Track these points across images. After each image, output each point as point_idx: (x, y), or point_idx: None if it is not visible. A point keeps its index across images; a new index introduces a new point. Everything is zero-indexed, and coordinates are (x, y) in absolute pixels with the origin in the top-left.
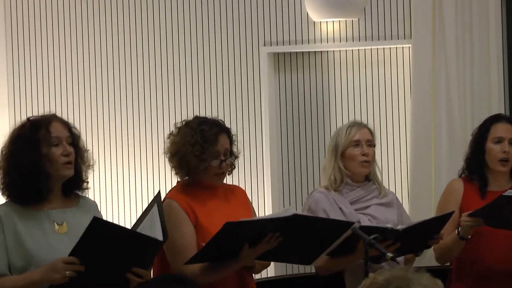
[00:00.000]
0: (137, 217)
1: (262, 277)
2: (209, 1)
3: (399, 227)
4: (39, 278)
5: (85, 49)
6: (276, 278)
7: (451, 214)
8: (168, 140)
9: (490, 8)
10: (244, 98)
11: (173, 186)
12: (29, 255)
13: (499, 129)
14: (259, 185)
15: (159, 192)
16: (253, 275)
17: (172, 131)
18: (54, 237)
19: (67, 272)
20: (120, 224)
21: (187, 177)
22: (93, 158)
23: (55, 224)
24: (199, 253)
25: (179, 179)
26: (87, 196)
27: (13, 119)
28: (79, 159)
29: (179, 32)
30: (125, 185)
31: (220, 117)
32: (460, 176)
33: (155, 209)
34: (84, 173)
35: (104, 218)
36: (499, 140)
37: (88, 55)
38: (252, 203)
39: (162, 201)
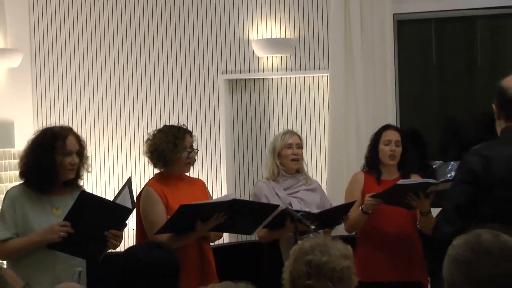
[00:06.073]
0: (115, 195)
1: (219, 243)
2: (176, 40)
3: (315, 211)
4: (39, 239)
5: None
6: (229, 244)
7: (353, 202)
8: (146, 144)
9: (387, 48)
10: (206, 114)
11: (151, 177)
12: (31, 230)
13: (388, 134)
14: (218, 179)
15: (129, 178)
16: (210, 243)
17: (149, 138)
18: (52, 218)
19: (62, 233)
20: (102, 196)
21: (163, 169)
22: (91, 165)
23: (54, 208)
24: (165, 226)
25: (156, 171)
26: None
27: (37, 125)
28: (81, 165)
29: (153, 61)
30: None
31: None
32: (362, 170)
33: (126, 190)
34: (82, 174)
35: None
36: (388, 143)
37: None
38: (212, 191)
39: (142, 188)
